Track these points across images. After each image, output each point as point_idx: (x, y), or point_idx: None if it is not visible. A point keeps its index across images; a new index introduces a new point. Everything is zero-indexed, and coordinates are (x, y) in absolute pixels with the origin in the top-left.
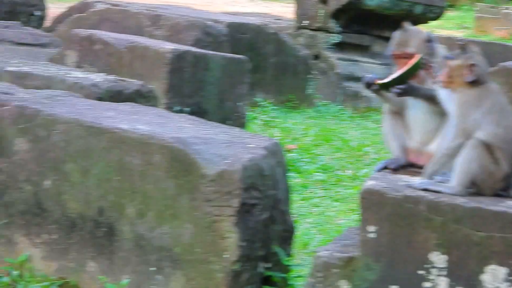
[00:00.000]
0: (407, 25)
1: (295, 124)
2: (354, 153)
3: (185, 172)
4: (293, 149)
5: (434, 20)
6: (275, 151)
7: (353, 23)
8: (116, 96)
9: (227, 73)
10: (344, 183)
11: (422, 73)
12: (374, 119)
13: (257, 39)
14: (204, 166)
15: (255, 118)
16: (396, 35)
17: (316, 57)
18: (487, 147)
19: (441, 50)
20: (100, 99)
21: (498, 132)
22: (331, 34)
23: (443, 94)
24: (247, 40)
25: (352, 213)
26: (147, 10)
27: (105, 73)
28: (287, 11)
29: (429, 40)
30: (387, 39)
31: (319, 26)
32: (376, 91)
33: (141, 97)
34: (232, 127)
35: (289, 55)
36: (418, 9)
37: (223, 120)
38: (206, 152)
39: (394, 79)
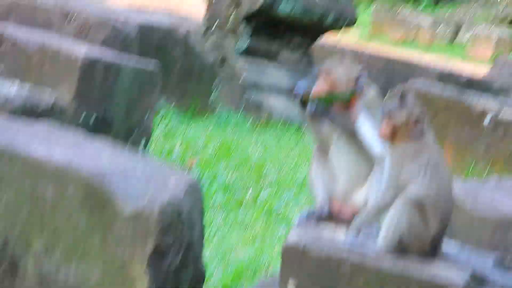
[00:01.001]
0: (347, 56)
1: (196, 134)
2: (255, 171)
3: (99, 207)
4: (194, 164)
5: (346, 28)
6: (194, 190)
7: (263, 29)
8: (30, 110)
9: (137, 83)
10: (245, 206)
11: (347, 107)
12: (274, 132)
13: (166, 41)
14: (120, 204)
15: (157, 125)
16: (333, 59)
17: (223, 61)
18: (418, 204)
19: (371, 90)
20: (13, 114)
21: (431, 189)
22: (240, 39)
23: (376, 144)
24: (156, 42)
25: (253, 242)
26: (57, 4)
27: (16, 78)
28: (196, 6)
29: (358, 78)
30: (295, 47)
31: (229, 29)
32: (300, 104)
33: (55, 112)
34: (150, 158)
35: (196, 59)
36: (329, 18)
37: (129, 131)
38: (123, 188)
39: (320, 97)
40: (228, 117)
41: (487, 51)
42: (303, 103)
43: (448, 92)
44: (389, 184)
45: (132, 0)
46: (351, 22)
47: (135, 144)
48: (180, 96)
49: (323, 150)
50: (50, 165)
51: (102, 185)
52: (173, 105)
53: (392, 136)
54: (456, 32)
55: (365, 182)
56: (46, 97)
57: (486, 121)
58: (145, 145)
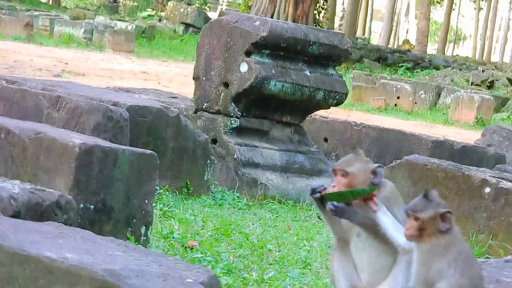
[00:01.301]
0: (360, 150)
1: (193, 215)
2: (256, 250)
3: None
4: (194, 246)
5: (336, 106)
6: (212, 286)
7: (253, 107)
8: (34, 209)
9: (135, 169)
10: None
11: (367, 201)
12: (271, 208)
13: (157, 123)
14: None
15: (153, 207)
16: (346, 156)
17: (214, 141)
18: None
19: (387, 182)
20: (17, 213)
21: (463, 283)
22: (231, 118)
23: (400, 238)
24: (147, 124)
25: None
26: (46, 90)
27: (11, 169)
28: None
29: (375, 172)
30: (286, 124)
31: (218, 109)
32: (317, 200)
33: (60, 209)
34: (163, 255)
35: (188, 139)
36: (319, 95)
37: (129, 218)
38: (140, 287)
39: (339, 194)
40: (223, 196)
41: (470, 114)
42: (321, 201)
43: (446, 163)
44: (418, 283)
45: (115, 81)
46: (341, 99)
47: (136, 232)
48: (173, 177)
49: (343, 242)
50: (63, 265)
51: (118, 284)
52: (167, 186)
53: (419, 235)
54: (437, 96)
55: (389, 273)
56: (50, 195)
57: (487, 190)
58: (146, 232)
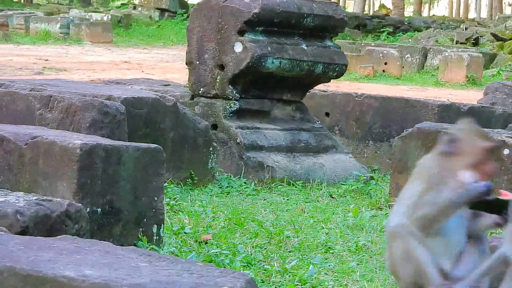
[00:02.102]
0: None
1: (202, 206)
2: (274, 238)
3: None
4: (208, 239)
5: (336, 78)
6: None
7: (252, 88)
8: (43, 222)
9: (141, 166)
10: (274, 279)
11: None
12: (280, 191)
13: (154, 114)
14: None
15: None
16: (467, 128)
17: (215, 126)
18: None
19: None
20: (25, 228)
21: None
22: (230, 101)
23: None
24: (144, 115)
25: None
26: (35, 90)
27: (9, 178)
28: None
29: None
30: (287, 102)
31: (216, 93)
32: (482, 199)
33: (70, 219)
34: (193, 261)
35: (188, 127)
36: (318, 69)
37: (139, 218)
38: None
39: None
40: (230, 183)
41: (460, 73)
42: (487, 201)
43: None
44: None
45: (98, 74)
46: (341, 71)
47: (147, 232)
48: (176, 168)
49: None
50: (84, 284)
51: None
52: (170, 178)
53: None
54: (424, 58)
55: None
56: (58, 205)
57: (506, 152)
58: (158, 231)
